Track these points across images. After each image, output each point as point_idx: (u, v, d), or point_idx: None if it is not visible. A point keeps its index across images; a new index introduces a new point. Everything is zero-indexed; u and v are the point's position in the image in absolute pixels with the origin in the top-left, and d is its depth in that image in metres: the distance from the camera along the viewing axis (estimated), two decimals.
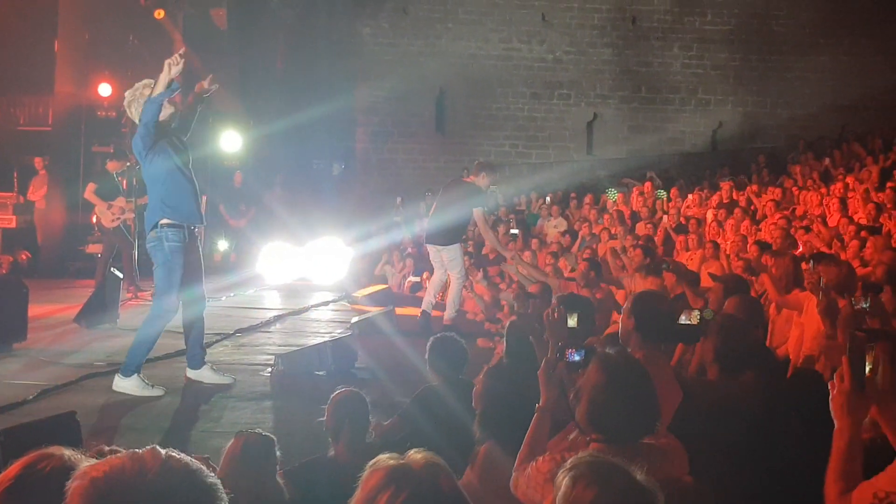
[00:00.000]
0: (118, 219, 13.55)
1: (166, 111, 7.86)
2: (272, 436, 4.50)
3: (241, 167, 18.75)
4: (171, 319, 8.17)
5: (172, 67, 7.51)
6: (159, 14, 17.13)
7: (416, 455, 2.20)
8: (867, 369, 2.92)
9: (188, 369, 8.36)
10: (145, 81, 7.93)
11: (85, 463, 2.08)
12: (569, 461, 2.66)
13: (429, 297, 11.65)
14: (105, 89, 17.27)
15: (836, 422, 2.96)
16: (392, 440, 5.54)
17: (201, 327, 8.40)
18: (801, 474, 3.40)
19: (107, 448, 2.98)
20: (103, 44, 17.75)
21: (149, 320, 8.13)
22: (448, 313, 11.35)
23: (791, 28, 24.03)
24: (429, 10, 24.04)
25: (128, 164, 13.79)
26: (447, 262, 11.38)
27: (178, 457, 1.84)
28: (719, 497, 3.59)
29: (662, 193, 14.21)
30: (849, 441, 2.93)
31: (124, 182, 13.90)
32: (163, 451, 1.83)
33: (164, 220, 7.86)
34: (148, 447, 1.85)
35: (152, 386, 7.90)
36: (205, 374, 8.28)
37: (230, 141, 18.10)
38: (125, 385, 7.83)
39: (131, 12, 17.31)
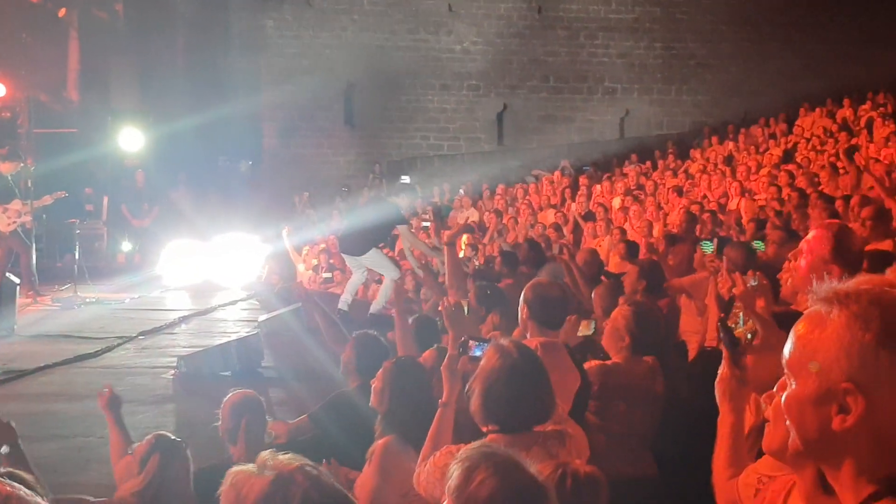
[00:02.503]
0: (14, 222, 13.07)
1: None
2: (181, 439, 4.37)
3: (143, 166, 18.32)
4: None
5: None
6: (62, 12, 16.67)
7: (291, 462, 2.02)
8: (746, 335, 2.93)
9: None
10: None
11: None
12: (460, 452, 2.60)
13: (345, 296, 11.56)
14: None
15: (719, 408, 2.95)
16: (298, 441, 5.42)
17: None
18: (702, 456, 3.40)
19: None
20: None
21: None
22: (375, 305, 11.28)
23: (693, 16, 24.41)
24: (333, 1, 23.82)
25: (22, 165, 13.33)
26: (372, 267, 11.34)
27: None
28: (620, 481, 3.57)
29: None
30: (732, 426, 2.93)
31: (21, 184, 13.45)
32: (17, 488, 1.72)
33: None
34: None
35: None
36: None
37: (131, 139, 17.66)
38: None
39: (23, 9, 16.80)
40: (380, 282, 11.77)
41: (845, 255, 4.08)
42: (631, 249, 9.84)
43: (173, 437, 4.34)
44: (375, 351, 5.70)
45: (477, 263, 13.13)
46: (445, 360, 4.00)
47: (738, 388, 2.91)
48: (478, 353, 3.93)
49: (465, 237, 15.00)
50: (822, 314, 1.64)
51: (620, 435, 4.83)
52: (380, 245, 11.87)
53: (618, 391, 4.85)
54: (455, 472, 2.49)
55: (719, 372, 2.93)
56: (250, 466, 1.93)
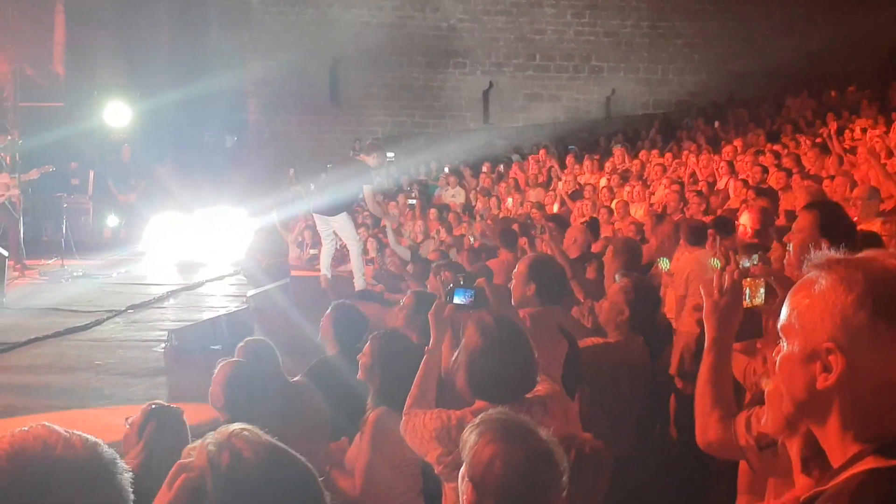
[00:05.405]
0: (2, 196, 13.05)
1: None
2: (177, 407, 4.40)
3: (129, 140, 18.26)
4: None
5: None
6: None
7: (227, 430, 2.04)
8: (754, 299, 2.95)
9: None
10: None
11: None
12: (479, 417, 2.68)
13: (323, 271, 11.67)
14: None
15: (709, 334, 2.94)
16: None
17: None
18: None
19: None
20: None
21: None
22: (357, 282, 11.36)
23: None
24: None
25: (9, 138, 13.30)
26: (338, 231, 11.42)
27: (77, 433, 1.80)
28: (618, 453, 3.64)
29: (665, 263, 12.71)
30: (723, 352, 2.93)
31: (7, 158, 13.41)
32: (59, 428, 1.77)
33: None
34: (36, 425, 1.77)
35: None
36: None
37: (118, 113, 17.59)
38: None
39: None
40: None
41: (833, 231, 4.12)
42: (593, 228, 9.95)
43: (168, 405, 4.37)
44: (348, 320, 5.80)
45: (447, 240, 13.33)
46: (433, 307, 4.07)
47: (734, 312, 2.92)
48: (465, 302, 4.04)
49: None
50: (813, 279, 1.72)
51: (620, 412, 4.90)
52: (351, 211, 11.95)
53: (620, 368, 4.91)
54: (470, 436, 2.59)
55: (712, 300, 2.92)
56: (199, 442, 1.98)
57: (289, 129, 23.92)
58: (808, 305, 1.70)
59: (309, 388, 5.32)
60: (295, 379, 5.54)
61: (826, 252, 1.75)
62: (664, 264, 6.90)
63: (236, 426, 1.97)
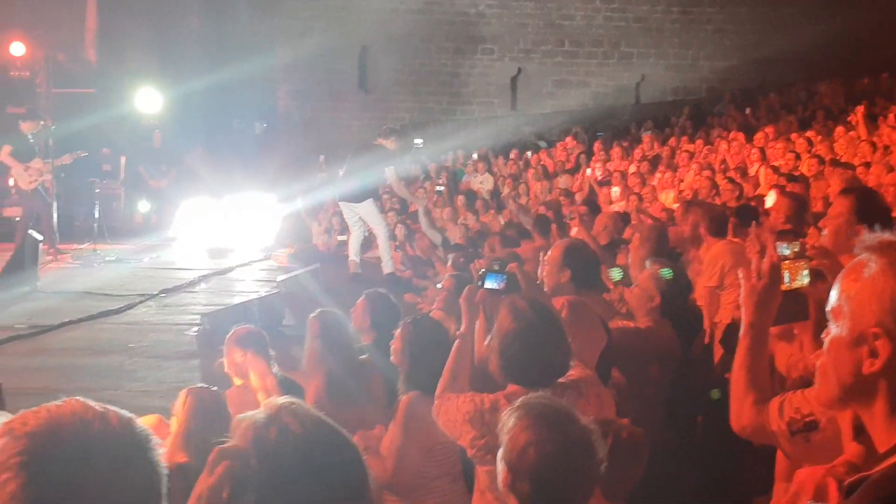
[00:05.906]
0: (36, 181, 13.20)
1: None
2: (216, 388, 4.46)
3: (160, 126, 18.39)
4: None
5: None
6: None
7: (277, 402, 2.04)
8: (794, 282, 2.93)
9: None
10: None
11: None
12: (518, 400, 2.70)
13: (353, 257, 11.67)
14: (18, 48, 16.77)
15: (745, 318, 2.92)
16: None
17: None
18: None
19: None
20: (15, 2, 17.19)
21: None
22: (385, 266, 11.39)
23: None
24: None
25: (42, 123, 13.42)
26: (364, 217, 11.42)
27: (112, 408, 1.79)
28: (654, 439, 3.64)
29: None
30: (760, 336, 2.91)
31: (40, 143, 13.55)
32: (92, 402, 1.78)
33: None
34: (66, 399, 1.78)
35: None
36: None
37: (149, 99, 17.69)
38: None
39: None
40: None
41: (869, 216, 4.08)
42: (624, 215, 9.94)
43: (206, 386, 4.41)
44: (381, 308, 5.79)
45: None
46: (465, 291, 4.08)
47: (772, 296, 2.90)
48: (496, 286, 4.04)
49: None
50: (863, 262, 1.70)
51: (650, 397, 4.89)
52: (377, 197, 11.96)
53: (649, 354, 4.90)
54: (509, 420, 2.62)
55: (750, 284, 2.90)
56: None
57: (317, 115, 23.96)
58: (858, 289, 1.69)
59: (374, 368, 5.36)
60: (362, 357, 5.56)
61: (879, 234, 1.73)
62: (616, 274, 6.68)
63: (285, 399, 1.99)
